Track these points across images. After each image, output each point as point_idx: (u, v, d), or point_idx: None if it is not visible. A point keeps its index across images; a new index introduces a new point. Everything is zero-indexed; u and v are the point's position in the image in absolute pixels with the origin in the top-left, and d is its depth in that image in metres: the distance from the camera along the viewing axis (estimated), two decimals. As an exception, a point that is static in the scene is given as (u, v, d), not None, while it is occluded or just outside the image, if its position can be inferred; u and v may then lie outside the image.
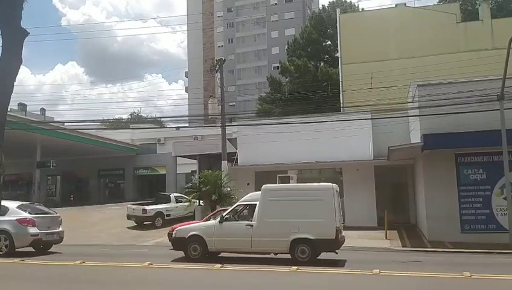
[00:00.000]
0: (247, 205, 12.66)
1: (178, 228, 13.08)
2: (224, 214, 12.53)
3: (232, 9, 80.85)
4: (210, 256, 12.10)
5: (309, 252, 11.29)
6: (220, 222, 12.20)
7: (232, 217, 12.42)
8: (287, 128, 20.14)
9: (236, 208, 12.79)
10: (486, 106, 14.27)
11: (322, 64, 44.71)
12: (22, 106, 42.78)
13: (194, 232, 12.30)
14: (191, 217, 21.11)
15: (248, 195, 13.22)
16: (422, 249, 14.38)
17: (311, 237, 11.26)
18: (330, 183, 12.18)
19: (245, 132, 21.98)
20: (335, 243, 11.40)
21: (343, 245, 12.17)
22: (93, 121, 34.95)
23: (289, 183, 22.18)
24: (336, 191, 11.96)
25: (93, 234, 20.31)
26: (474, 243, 14.31)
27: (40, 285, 9.05)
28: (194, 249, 12.16)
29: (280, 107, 42.15)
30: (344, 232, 18.18)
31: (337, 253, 11.83)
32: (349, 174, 21.22)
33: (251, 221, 11.93)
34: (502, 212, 15.16)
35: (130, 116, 66.41)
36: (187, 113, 56.20)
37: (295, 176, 22.45)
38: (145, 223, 22.08)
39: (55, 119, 44.73)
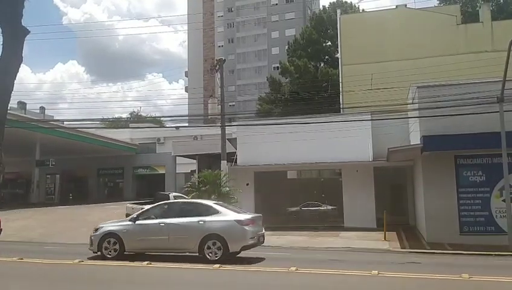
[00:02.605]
0: None
1: None
2: None
3: (232, 9, 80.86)
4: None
5: None
6: None
7: None
8: (286, 128, 20.12)
9: None
10: (486, 108, 14.26)
11: (322, 64, 44.75)
12: (22, 105, 42.74)
13: None
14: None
15: None
16: (421, 251, 14.38)
17: None
18: None
19: (245, 132, 21.97)
20: None
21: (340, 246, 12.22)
22: (92, 120, 34.88)
23: None
24: None
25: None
26: (473, 245, 14.30)
27: (39, 284, 9.05)
28: None
29: (280, 107, 42.18)
30: (343, 233, 18.39)
31: None
32: (349, 175, 21.21)
33: None
34: (501, 214, 15.17)
35: (129, 116, 66.39)
36: (187, 113, 56.15)
37: None
38: (144, 222, 22.05)
39: (54, 118, 44.64)
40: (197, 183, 19.66)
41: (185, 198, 23.16)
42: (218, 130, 22.78)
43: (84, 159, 40.21)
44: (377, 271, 9.50)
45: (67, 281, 9.25)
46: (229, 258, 11.26)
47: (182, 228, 11.67)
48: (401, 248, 15.05)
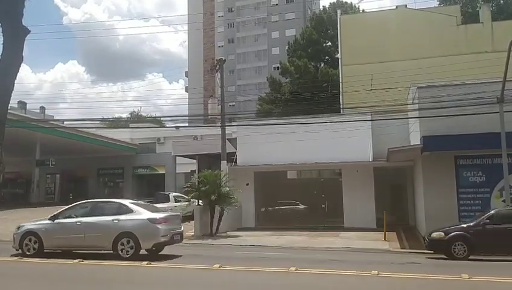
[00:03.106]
0: None
1: None
2: None
3: (232, 10, 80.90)
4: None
5: None
6: None
7: None
8: (286, 128, 20.14)
9: None
10: (486, 108, 14.28)
11: (322, 65, 44.74)
12: (22, 104, 42.70)
13: None
14: (190, 217, 21.12)
15: None
16: (421, 251, 14.37)
17: None
18: None
19: (245, 132, 21.98)
20: None
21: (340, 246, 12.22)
22: (92, 120, 34.84)
23: None
24: None
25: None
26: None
27: (39, 284, 9.05)
28: None
29: (280, 107, 42.18)
30: (343, 233, 18.41)
31: None
32: (349, 175, 21.22)
33: None
34: (501, 214, 15.15)
35: (129, 116, 66.35)
36: (187, 113, 56.15)
37: None
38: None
39: (54, 118, 44.63)
40: (197, 184, 19.64)
41: (184, 198, 23.25)
42: (218, 130, 22.77)
43: (84, 159, 40.14)
44: (376, 271, 9.50)
45: (67, 281, 9.25)
46: (144, 255, 11.79)
47: (96, 227, 12.10)
48: (401, 248, 15.06)
